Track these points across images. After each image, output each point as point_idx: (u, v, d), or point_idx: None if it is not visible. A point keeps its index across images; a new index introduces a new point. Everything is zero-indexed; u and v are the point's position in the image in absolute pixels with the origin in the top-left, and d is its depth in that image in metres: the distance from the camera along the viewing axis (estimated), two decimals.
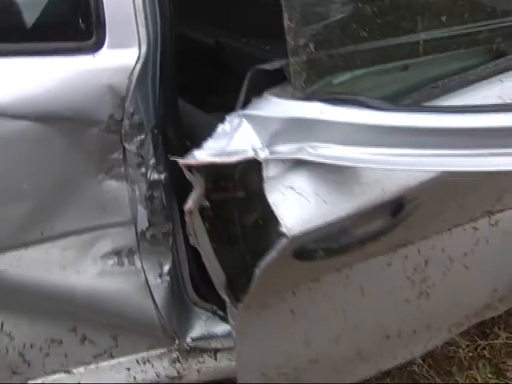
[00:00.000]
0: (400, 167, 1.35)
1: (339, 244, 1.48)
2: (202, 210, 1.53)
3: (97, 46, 1.69)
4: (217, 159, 1.43)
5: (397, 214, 1.49)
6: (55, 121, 1.70)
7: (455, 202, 1.62)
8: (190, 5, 2.54)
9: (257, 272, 1.49)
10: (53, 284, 1.91)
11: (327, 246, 1.47)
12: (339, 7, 1.49)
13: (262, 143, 1.44)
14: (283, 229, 1.39)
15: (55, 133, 1.72)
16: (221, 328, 2.17)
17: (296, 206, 1.41)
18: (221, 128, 1.52)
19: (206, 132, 2.13)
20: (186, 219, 1.51)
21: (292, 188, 1.42)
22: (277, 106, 1.48)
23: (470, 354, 2.77)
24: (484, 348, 2.79)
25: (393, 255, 1.70)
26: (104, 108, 1.71)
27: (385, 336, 1.93)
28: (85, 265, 1.92)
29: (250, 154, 1.44)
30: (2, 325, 1.94)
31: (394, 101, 1.46)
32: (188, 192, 1.95)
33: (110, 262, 1.94)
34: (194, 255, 2.06)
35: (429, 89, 1.55)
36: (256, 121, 1.47)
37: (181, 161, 1.45)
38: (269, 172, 1.44)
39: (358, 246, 1.50)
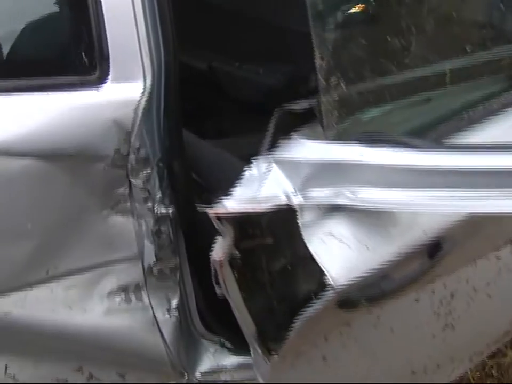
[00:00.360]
0: (443, 210, 1.30)
1: (382, 290, 1.43)
2: (231, 260, 1.47)
3: (101, 80, 1.64)
4: (248, 208, 1.37)
5: (435, 254, 1.45)
6: (59, 158, 1.66)
7: (483, 234, 1.59)
8: (182, 29, 2.50)
9: (298, 323, 1.43)
10: (58, 323, 1.86)
11: (370, 294, 1.42)
12: (369, 42, 1.46)
13: (294, 188, 1.38)
14: (329, 280, 1.33)
15: (59, 170, 1.68)
16: (230, 360, 2.12)
17: (338, 254, 1.36)
18: (248, 173, 1.45)
19: (210, 163, 2.10)
20: (215, 269, 1.45)
21: (332, 235, 1.36)
22: (309, 149, 1.42)
23: (478, 374, 2.74)
24: (492, 367, 2.76)
25: (421, 291, 1.66)
26: (109, 142, 1.67)
27: (411, 372, 1.89)
28: (91, 304, 1.86)
29: (283, 200, 1.38)
30: (6, 367, 1.89)
31: (433, 139, 1.42)
32: (193, 225, 1.92)
33: (117, 299, 1.89)
34: (201, 287, 2.01)
35: (455, 121, 1.51)
36: (287, 165, 1.41)
37: (211, 211, 1.39)
38: (304, 218, 1.39)
39: (399, 290, 1.46)
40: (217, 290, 1.50)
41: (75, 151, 1.65)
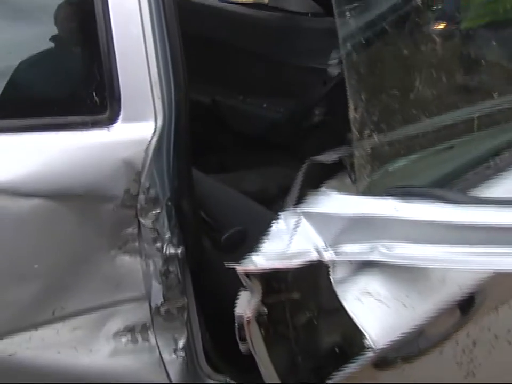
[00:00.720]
0: (480, 267, 1.27)
1: (418, 348, 1.41)
2: (257, 316, 1.44)
3: (112, 119, 1.63)
4: (278, 264, 1.33)
5: (468, 308, 1.42)
6: (68, 198, 1.64)
7: (510, 283, 1.57)
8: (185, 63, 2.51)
9: (331, 381, 1.40)
10: (63, 365, 1.83)
11: (407, 353, 1.40)
12: (401, 92, 1.45)
13: (325, 243, 1.35)
14: (369, 342, 1.29)
15: (68, 210, 1.66)
16: None
17: (377, 314, 1.32)
18: (275, 227, 1.42)
19: (217, 201, 2.09)
20: (240, 326, 1.41)
21: (369, 293, 1.33)
22: (340, 202, 1.39)
23: None
24: None
25: (446, 343, 1.63)
26: (119, 183, 1.65)
27: None
28: (97, 344, 1.84)
29: (314, 256, 1.34)
30: None
31: (461, 190, 1.40)
32: (201, 264, 1.89)
33: (124, 339, 1.86)
34: (207, 326, 1.99)
35: (482, 169, 1.50)
36: (317, 219, 1.38)
37: (240, 268, 1.36)
38: (336, 274, 1.36)
39: (434, 347, 1.43)
40: (241, 347, 1.46)
41: (84, 191, 1.64)
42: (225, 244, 1.92)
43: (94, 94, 1.62)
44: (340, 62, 2.87)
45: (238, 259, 1.93)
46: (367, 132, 1.35)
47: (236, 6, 3.12)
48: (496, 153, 1.53)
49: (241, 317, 1.38)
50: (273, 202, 2.63)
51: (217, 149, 2.99)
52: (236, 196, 2.11)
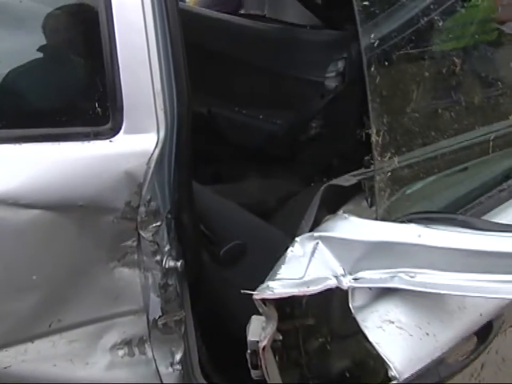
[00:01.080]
0: (504, 295, 1.26)
1: (440, 377, 1.39)
2: (272, 343, 1.41)
3: (114, 131, 1.62)
4: (296, 291, 1.31)
5: (485, 335, 1.41)
6: (68, 209, 1.62)
7: None
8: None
9: None
10: (59, 378, 1.80)
11: (428, 381, 1.38)
12: (421, 116, 1.44)
13: (343, 269, 1.33)
14: (393, 373, 1.26)
15: (68, 221, 1.64)
16: None
17: (400, 343, 1.29)
18: (291, 251, 1.39)
19: (217, 214, 2.07)
20: (254, 353, 1.38)
21: (391, 321, 1.31)
22: (359, 227, 1.37)
23: None
24: None
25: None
26: (120, 195, 1.64)
27: None
28: (94, 357, 1.81)
29: (332, 282, 1.32)
30: None
31: (476, 214, 1.39)
32: (199, 277, 1.88)
33: (120, 352, 1.84)
34: (203, 339, 1.97)
35: (496, 192, 1.49)
36: (335, 244, 1.35)
37: (257, 296, 1.33)
38: (355, 301, 1.34)
39: (455, 374, 1.41)
40: (253, 374, 1.43)
41: (85, 202, 1.62)
42: (224, 257, 1.91)
43: (97, 105, 1.61)
44: (338, 75, 2.88)
45: (237, 273, 1.92)
46: (388, 155, 1.34)
47: (233, 17, 3.11)
48: (509, 175, 1.53)
49: (254, 343, 1.35)
50: (272, 215, 2.62)
51: (213, 160, 2.98)
52: (234, 208, 2.09)
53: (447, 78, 1.49)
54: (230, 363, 2.08)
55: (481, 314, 1.34)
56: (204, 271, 1.90)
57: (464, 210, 1.42)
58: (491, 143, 1.49)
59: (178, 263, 1.76)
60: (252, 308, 1.77)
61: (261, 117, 3.00)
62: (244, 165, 3.02)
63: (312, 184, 3.04)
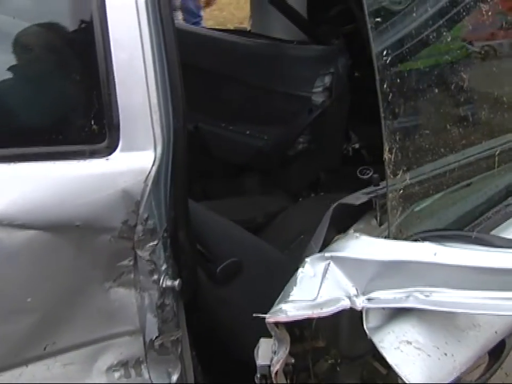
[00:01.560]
0: None
1: None
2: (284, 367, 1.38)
3: (111, 149, 1.59)
4: (310, 313, 1.29)
5: (499, 352, 1.39)
6: (64, 230, 1.59)
7: None
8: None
9: None
10: None
11: None
12: (432, 132, 1.42)
13: (356, 289, 1.31)
14: None
15: (63, 242, 1.60)
16: None
17: (419, 364, 1.27)
18: (301, 272, 1.37)
19: (212, 232, 2.04)
20: (264, 377, 1.35)
21: (409, 342, 1.28)
22: (371, 247, 1.35)
23: None
24: None
25: None
26: (117, 214, 1.60)
27: None
28: (90, 380, 1.78)
29: (346, 303, 1.29)
30: None
31: (484, 230, 1.37)
32: (195, 296, 1.85)
33: (116, 374, 1.81)
34: (199, 358, 1.94)
35: (503, 207, 1.48)
36: (347, 264, 1.33)
37: (271, 319, 1.30)
38: (369, 321, 1.31)
39: None
40: None
41: (81, 222, 1.58)
42: (220, 275, 1.88)
43: (92, 122, 1.58)
44: (324, 90, 2.87)
45: (233, 291, 1.90)
46: (400, 172, 1.32)
47: (219, 32, 3.09)
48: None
49: (265, 368, 1.32)
50: (261, 231, 2.60)
51: (200, 176, 2.95)
52: (229, 225, 2.07)
53: (456, 93, 1.48)
54: (227, 382, 2.06)
55: (496, 332, 1.33)
56: (200, 290, 1.87)
57: (471, 226, 1.40)
58: (496, 158, 1.48)
59: (176, 282, 1.73)
60: (249, 326, 1.77)
61: (248, 132, 2.98)
62: (231, 181, 3.00)
63: (300, 199, 3.05)
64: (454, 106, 1.49)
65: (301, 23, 2.91)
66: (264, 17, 3.06)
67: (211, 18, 6.80)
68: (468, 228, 1.44)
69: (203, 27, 4.90)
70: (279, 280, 2.01)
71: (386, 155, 1.30)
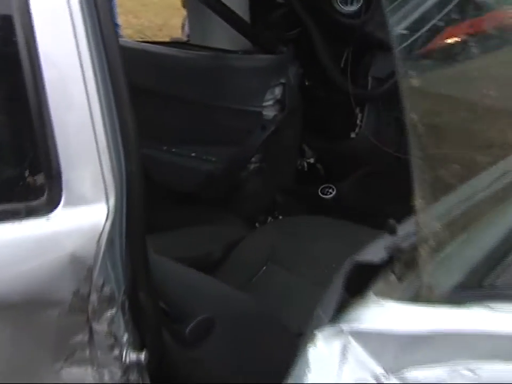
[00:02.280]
0: None
1: None
2: None
3: (51, 205, 1.29)
4: None
5: None
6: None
7: None
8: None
9: None
10: None
11: None
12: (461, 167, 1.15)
13: (384, 368, 1.04)
14: None
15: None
16: None
17: None
18: (313, 350, 1.08)
19: (175, 285, 1.74)
20: None
21: None
22: (398, 314, 1.07)
23: None
24: None
25: None
26: (66, 283, 1.33)
27: None
28: None
29: None
30: None
31: None
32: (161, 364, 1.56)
33: None
34: None
35: None
36: (370, 339, 1.06)
37: None
38: None
39: None
40: None
41: (19, 298, 1.29)
42: (190, 337, 1.59)
43: (27, 175, 1.27)
44: (276, 103, 2.60)
45: (206, 350, 1.62)
46: (431, 220, 1.05)
47: (152, 45, 2.79)
48: None
49: None
50: (221, 264, 2.33)
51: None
52: (196, 277, 1.79)
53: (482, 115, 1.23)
54: None
55: None
56: (167, 356, 1.59)
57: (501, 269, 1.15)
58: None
59: (142, 355, 1.44)
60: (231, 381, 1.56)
61: (193, 154, 2.69)
62: (179, 210, 2.70)
63: (257, 225, 2.78)
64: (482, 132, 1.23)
65: (245, 30, 2.63)
66: (202, 26, 2.76)
67: (129, 27, 6.49)
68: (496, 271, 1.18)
69: (122, 37, 4.56)
70: (255, 328, 1.76)
71: (418, 203, 1.03)
